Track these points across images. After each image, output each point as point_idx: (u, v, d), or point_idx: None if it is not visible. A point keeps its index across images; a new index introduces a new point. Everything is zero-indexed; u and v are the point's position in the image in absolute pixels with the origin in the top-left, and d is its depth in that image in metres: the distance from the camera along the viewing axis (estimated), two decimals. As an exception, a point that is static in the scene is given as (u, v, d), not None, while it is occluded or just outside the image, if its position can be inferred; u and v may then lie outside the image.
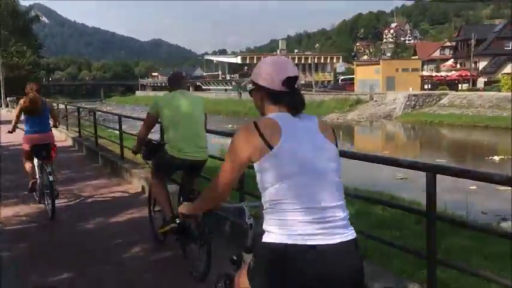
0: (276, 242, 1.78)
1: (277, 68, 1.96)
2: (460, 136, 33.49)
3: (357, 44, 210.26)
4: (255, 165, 1.88)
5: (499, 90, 42.96)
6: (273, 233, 1.81)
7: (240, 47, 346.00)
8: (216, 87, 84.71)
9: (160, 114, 4.36)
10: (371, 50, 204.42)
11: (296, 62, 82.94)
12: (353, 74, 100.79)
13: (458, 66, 69.75)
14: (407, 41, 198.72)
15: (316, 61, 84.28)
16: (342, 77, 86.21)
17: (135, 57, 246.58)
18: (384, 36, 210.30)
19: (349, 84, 70.75)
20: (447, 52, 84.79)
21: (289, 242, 1.75)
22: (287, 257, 1.74)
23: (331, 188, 1.85)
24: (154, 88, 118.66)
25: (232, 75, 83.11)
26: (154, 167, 4.61)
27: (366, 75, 55.71)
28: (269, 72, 1.96)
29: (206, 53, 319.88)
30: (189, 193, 4.35)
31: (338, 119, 49.13)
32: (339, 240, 1.76)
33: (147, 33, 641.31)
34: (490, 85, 55.76)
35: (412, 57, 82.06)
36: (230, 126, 39.07)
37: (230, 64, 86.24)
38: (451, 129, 35.45)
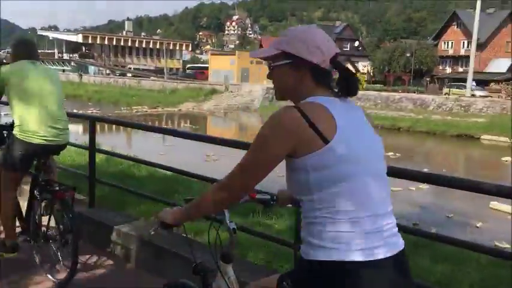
0: (331, 259, 1.48)
1: (326, 41, 1.60)
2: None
3: (200, 33, 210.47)
4: (298, 161, 1.50)
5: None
6: (326, 249, 1.49)
7: (74, 25, 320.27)
8: (51, 67, 75.85)
9: (6, 88, 3.44)
10: (213, 40, 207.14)
11: (144, 46, 78.61)
12: (199, 63, 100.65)
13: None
14: (247, 35, 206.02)
15: (165, 47, 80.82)
16: (189, 65, 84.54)
17: None
18: (226, 28, 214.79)
19: (199, 73, 69.47)
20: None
21: (348, 259, 1.47)
22: (347, 277, 1.46)
23: (385, 191, 1.58)
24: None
25: (71, 55, 75.10)
26: (8, 169, 3.54)
27: (221, 65, 54.60)
28: (318, 44, 1.57)
29: (34, 28, 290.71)
30: (45, 183, 3.56)
31: (193, 108, 47.17)
32: (396, 251, 1.53)
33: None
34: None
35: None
36: (76, 111, 34.44)
37: (68, 42, 77.84)
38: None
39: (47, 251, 3.54)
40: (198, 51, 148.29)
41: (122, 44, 75.76)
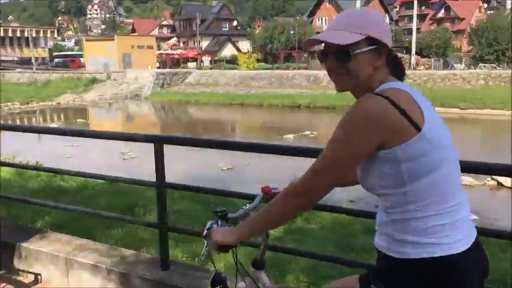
0: (435, 256, 1.41)
1: (385, 22, 1.53)
2: (229, 115, 33.06)
3: (59, 18, 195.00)
4: (385, 153, 1.38)
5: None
6: (428, 245, 1.42)
7: None
8: None
9: None
10: (75, 26, 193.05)
11: (2, 34, 69.84)
12: (64, 51, 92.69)
13: (181, 45, 70.97)
14: (112, 18, 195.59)
15: (26, 34, 72.75)
16: (56, 53, 77.41)
17: None
18: (88, 12, 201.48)
19: (70, 61, 63.87)
20: (165, 30, 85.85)
21: (451, 252, 1.42)
22: (452, 271, 1.41)
23: (460, 178, 1.53)
24: None
25: None
26: None
27: (98, 51, 50.47)
28: (385, 26, 1.50)
29: None
30: None
31: (74, 100, 43.26)
32: (474, 239, 1.49)
33: None
34: (216, 63, 58.60)
35: (135, 34, 79.74)
36: None
37: None
38: (217, 108, 34.78)
39: None
40: (59, 38, 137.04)
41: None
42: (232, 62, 59.49)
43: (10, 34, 70.89)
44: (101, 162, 14.99)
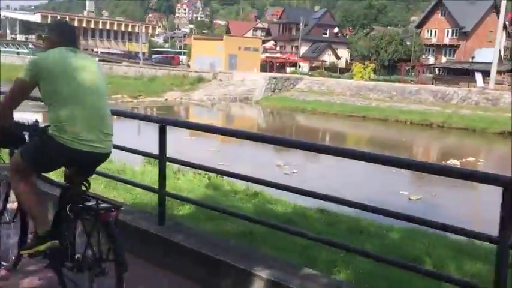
0: None
1: None
2: (347, 129, 30.92)
3: (150, 15, 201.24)
4: None
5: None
6: None
7: (9, 3, 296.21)
8: (3, 49, 67.64)
9: (42, 81, 2.75)
10: (164, 23, 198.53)
11: (108, 28, 71.81)
12: (157, 47, 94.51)
13: (278, 48, 69.62)
14: (199, 18, 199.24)
15: (130, 29, 74.50)
16: (154, 49, 78.67)
17: None
18: (177, 11, 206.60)
19: (171, 58, 64.39)
20: (259, 33, 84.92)
21: None
22: None
23: None
24: None
25: (28, 36, 67.05)
26: (26, 158, 2.88)
27: (205, 51, 49.97)
28: None
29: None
30: (79, 198, 2.90)
31: (181, 98, 42.68)
32: None
33: None
34: (315, 70, 56.45)
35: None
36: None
37: (23, 22, 69.59)
38: (329, 118, 32.77)
39: (80, 281, 2.94)
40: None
41: (84, 25, 68.69)
42: (332, 69, 57.22)
43: (115, 28, 72.77)
44: (260, 173, 13.24)
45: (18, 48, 65.39)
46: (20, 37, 69.54)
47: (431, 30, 59.64)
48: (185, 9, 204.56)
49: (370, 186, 12.73)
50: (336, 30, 67.12)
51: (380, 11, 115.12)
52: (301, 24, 58.26)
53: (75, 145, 2.75)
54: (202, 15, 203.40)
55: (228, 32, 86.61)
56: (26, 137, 3.12)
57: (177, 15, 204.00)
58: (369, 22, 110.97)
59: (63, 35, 2.95)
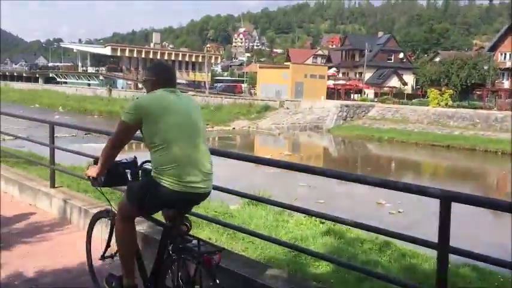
0: None
1: None
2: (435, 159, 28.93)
3: (208, 45, 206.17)
4: None
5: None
6: None
7: (74, 38, 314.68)
8: (75, 81, 70.50)
9: (145, 123, 2.80)
10: (221, 52, 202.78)
11: (173, 58, 73.35)
12: (216, 76, 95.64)
13: (340, 75, 68.33)
14: (255, 47, 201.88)
15: (193, 60, 75.75)
16: (216, 78, 79.40)
17: None
18: (234, 40, 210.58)
19: (233, 87, 64.56)
20: (319, 60, 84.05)
21: None
22: None
23: None
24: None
25: (98, 68, 69.62)
26: (131, 201, 2.98)
27: (271, 79, 49.49)
28: None
29: (39, 41, 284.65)
30: (181, 239, 2.90)
31: (249, 127, 42.04)
32: None
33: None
34: (381, 96, 54.49)
35: (287, 63, 79.30)
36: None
37: (93, 55, 72.44)
38: (407, 147, 30.91)
39: None
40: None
41: (150, 56, 70.54)
42: (398, 95, 55.09)
43: (180, 58, 74.30)
44: (370, 218, 11.82)
45: (89, 80, 67.95)
46: (91, 69, 72.28)
47: (505, 54, 56.41)
48: (241, 39, 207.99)
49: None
50: (401, 55, 65.09)
51: (441, 34, 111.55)
52: (366, 50, 56.86)
53: (178, 187, 2.75)
54: (258, 44, 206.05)
55: (287, 59, 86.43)
56: (128, 175, 3.17)
57: (233, 44, 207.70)
58: (430, 46, 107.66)
59: (163, 76, 2.96)
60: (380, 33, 73.31)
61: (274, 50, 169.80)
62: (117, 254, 3.27)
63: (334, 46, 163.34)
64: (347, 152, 32.04)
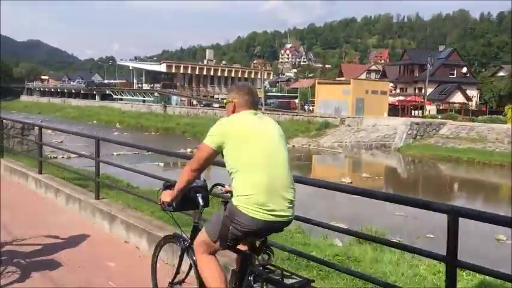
0: None
1: None
2: None
3: (254, 61, 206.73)
4: None
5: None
6: None
7: (125, 55, 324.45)
8: (130, 98, 71.06)
9: (228, 147, 2.68)
10: (268, 68, 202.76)
11: (226, 74, 72.86)
12: (268, 92, 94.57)
13: (397, 91, 65.59)
14: (302, 62, 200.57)
15: (246, 75, 74.93)
16: (269, 94, 78.12)
17: (8, 58, 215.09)
18: (280, 56, 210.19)
19: (287, 103, 63.12)
20: (373, 76, 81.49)
21: None
22: None
23: None
24: (44, 93, 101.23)
25: (153, 85, 69.95)
26: (210, 231, 2.81)
27: (330, 95, 47.64)
28: None
29: (93, 59, 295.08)
30: (263, 268, 2.75)
31: (309, 145, 40.22)
32: None
33: (22, 32, 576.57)
34: (443, 112, 51.46)
35: (343, 79, 77.44)
36: (189, 150, 28.85)
37: (148, 72, 73.00)
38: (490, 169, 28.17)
39: None
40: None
41: (204, 73, 70.28)
42: (464, 112, 51.93)
43: (232, 75, 73.70)
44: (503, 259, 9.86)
45: (144, 97, 68.24)
46: (146, 86, 72.74)
47: None
48: (288, 55, 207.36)
49: None
50: (464, 70, 61.71)
51: (500, 48, 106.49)
52: (428, 64, 54.10)
53: (261, 215, 2.61)
54: (305, 60, 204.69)
55: (340, 75, 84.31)
56: (199, 199, 3.03)
57: (280, 60, 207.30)
58: (488, 60, 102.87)
59: (245, 97, 2.82)
60: (441, 47, 70.05)
61: (315, 65, 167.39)
62: (186, 281, 3.22)
63: (382, 61, 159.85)
64: (427, 174, 29.61)
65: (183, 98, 65.93)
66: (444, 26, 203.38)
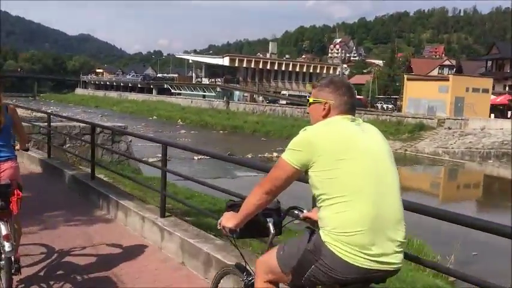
0: None
1: None
2: None
3: (303, 56, 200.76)
4: None
5: None
6: None
7: (171, 50, 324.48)
8: (189, 93, 66.85)
9: (317, 166, 1.97)
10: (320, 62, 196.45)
11: (290, 69, 67.47)
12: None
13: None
14: (352, 58, 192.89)
15: (312, 70, 69.32)
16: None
17: (61, 51, 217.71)
18: (330, 51, 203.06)
19: (357, 100, 57.28)
20: (446, 71, 74.27)
21: None
22: None
23: None
24: (98, 86, 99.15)
25: (215, 80, 65.37)
26: (282, 261, 2.19)
27: (422, 93, 41.49)
28: None
29: (141, 53, 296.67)
30: None
31: (405, 150, 34.40)
32: None
33: (74, 26, 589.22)
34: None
35: (411, 74, 71.03)
36: (276, 154, 24.12)
37: (208, 66, 68.52)
38: None
39: None
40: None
41: (268, 67, 65.18)
42: None
43: (297, 69, 68.17)
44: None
45: (204, 92, 63.87)
46: (205, 80, 68.34)
47: None
48: (338, 50, 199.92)
49: None
50: None
51: None
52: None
53: (357, 260, 1.89)
54: (355, 55, 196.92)
55: (408, 70, 77.39)
56: (270, 225, 2.38)
57: (329, 55, 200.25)
58: None
59: (343, 98, 2.08)
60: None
61: (370, 61, 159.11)
62: None
63: (437, 56, 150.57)
64: None
65: (246, 94, 61.12)
66: (505, 20, 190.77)
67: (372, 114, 42.76)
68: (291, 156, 1.98)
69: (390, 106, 56.91)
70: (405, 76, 48.43)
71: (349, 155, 1.93)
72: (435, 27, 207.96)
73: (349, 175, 1.91)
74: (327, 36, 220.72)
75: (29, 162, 9.24)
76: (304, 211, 2.51)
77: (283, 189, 2.11)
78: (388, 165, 2.00)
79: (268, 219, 2.40)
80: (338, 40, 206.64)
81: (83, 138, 12.18)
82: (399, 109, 54.16)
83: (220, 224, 2.33)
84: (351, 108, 2.08)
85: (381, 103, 59.38)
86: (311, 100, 2.13)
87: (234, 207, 2.36)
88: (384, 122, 40.77)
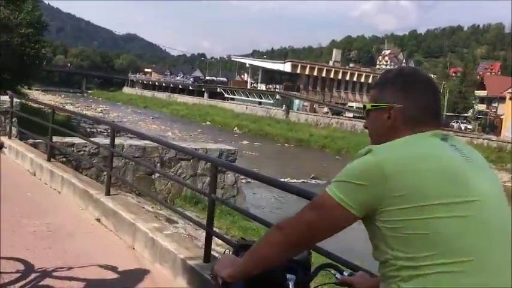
0: None
1: None
2: None
3: (351, 65, 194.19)
4: None
5: None
6: None
7: (214, 53, 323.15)
8: (244, 98, 62.01)
9: (386, 211, 1.17)
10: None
11: (355, 79, 61.70)
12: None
13: None
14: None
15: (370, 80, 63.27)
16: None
17: (108, 50, 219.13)
18: (378, 62, 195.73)
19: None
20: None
21: None
22: None
23: None
24: (145, 86, 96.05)
25: (274, 86, 60.26)
26: None
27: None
28: None
29: (185, 55, 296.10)
30: None
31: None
32: None
33: (122, 26, 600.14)
34: None
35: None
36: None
37: (265, 71, 63.60)
38: None
39: None
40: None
41: (331, 76, 59.69)
42: None
43: (362, 80, 62.42)
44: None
45: (261, 98, 58.90)
46: (260, 86, 63.38)
47: None
48: (386, 61, 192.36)
49: None
50: None
51: None
52: None
53: None
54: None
55: (481, 87, 70.23)
56: (290, 284, 1.56)
57: (377, 66, 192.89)
58: None
59: (421, 101, 1.28)
60: None
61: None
62: None
63: (493, 74, 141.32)
64: None
65: (305, 103, 55.76)
66: None
67: (460, 137, 36.53)
68: (345, 192, 1.19)
69: (470, 126, 50.44)
70: (508, 95, 41.84)
71: (454, 198, 1.14)
72: (491, 43, 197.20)
73: (456, 231, 1.13)
74: (375, 48, 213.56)
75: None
76: (345, 273, 1.66)
77: (319, 241, 1.32)
78: (503, 212, 1.22)
79: (288, 277, 1.54)
80: (387, 51, 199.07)
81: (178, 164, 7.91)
82: (483, 129, 47.63)
83: (213, 274, 1.46)
84: (435, 117, 1.27)
85: (457, 122, 52.91)
86: (368, 106, 1.33)
87: (245, 248, 1.52)
88: (481, 146, 34.57)
